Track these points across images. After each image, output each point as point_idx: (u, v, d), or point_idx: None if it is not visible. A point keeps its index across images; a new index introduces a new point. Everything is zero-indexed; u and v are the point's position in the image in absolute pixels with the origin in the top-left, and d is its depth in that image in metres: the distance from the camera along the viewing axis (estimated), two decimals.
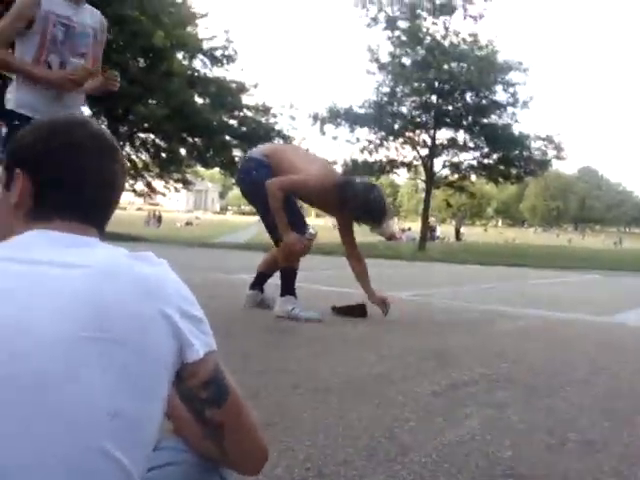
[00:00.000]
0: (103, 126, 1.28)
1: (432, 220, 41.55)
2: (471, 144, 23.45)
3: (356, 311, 5.06)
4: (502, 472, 1.99)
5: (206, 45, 27.07)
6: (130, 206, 79.89)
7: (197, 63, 27.66)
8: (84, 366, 0.96)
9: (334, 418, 2.45)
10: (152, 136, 27.76)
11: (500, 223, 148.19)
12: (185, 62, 26.83)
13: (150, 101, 24.03)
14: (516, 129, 22.98)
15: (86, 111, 23.73)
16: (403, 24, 22.36)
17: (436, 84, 21.80)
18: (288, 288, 5.01)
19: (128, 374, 1.00)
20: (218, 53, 27.23)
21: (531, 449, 2.18)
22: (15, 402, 0.93)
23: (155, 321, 1.04)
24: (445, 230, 52.22)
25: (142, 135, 27.78)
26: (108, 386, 0.97)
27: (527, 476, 1.97)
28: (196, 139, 27.71)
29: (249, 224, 75.85)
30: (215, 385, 1.13)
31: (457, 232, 40.65)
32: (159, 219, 63.83)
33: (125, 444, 0.98)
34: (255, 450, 1.23)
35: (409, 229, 45.69)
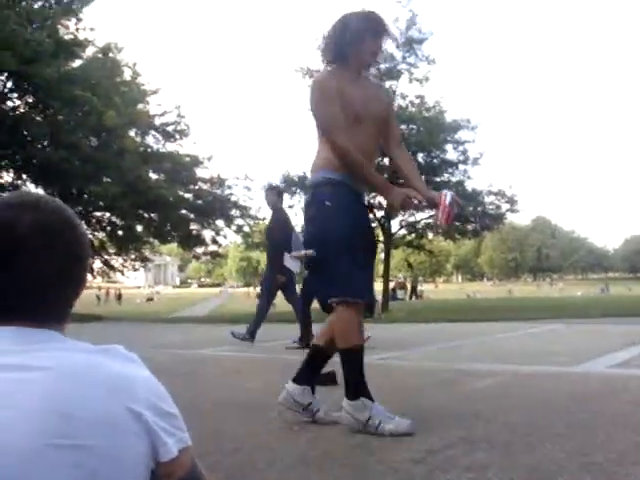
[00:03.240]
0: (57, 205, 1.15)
1: (400, 277, 41.67)
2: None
3: (326, 379, 5.00)
4: None
5: (158, 121, 27.33)
6: (89, 284, 78.90)
7: (150, 139, 27.88)
8: (51, 476, 0.92)
9: None
10: (108, 214, 27.67)
11: (460, 278, 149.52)
12: (138, 139, 26.99)
13: (104, 179, 24.01)
14: (469, 186, 23.40)
15: (40, 192, 23.63)
16: None
17: None
18: (360, 382, 3.56)
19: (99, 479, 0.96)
20: (170, 128, 27.51)
21: None
22: None
23: (124, 422, 0.99)
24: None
25: (97, 214, 27.69)
26: None
27: None
28: (152, 215, 27.72)
29: (208, 296, 75.63)
30: None
31: (413, 290, 40.57)
32: (119, 297, 63.02)
33: None
34: None
35: None
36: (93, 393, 0.99)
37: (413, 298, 39.96)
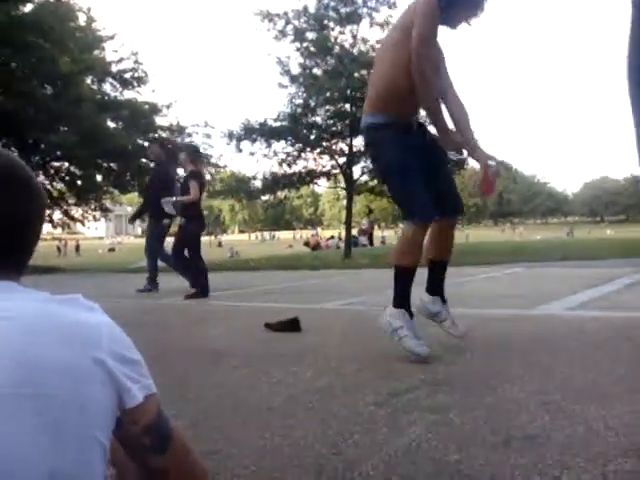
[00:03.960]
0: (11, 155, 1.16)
1: (364, 224, 41.50)
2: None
3: (290, 326, 5.03)
4: (450, 476, 2.00)
5: (115, 68, 26.71)
6: (48, 236, 78.10)
7: (107, 87, 27.28)
8: (11, 426, 0.91)
9: (279, 438, 2.42)
10: (66, 164, 27.18)
11: None
12: (94, 86, 26.40)
13: (61, 128, 23.52)
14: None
15: None
16: (311, 35, 22.51)
17: (348, 92, 21.94)
18: (402, 298, 3.93)
19: (62, 429, 0.95)
20: (128, 75, 26.91)
21: (477, 450, 2.19)
22: None
23: (86, 370, 0.99)
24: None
25: (56, 164, 27.17)
26: (41, 445, 0.92)
27: (475, 478, 1.98)
28: (112, 164, 27.26)
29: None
30: (157, 430, 1.09)
31: (370, 237, 40.23)
32: (77, 248, 62.39)
33: None
34: None
35: (332, 237, 45.84)
36: (54, 342, 0.98)
37: (372, 243, 39.59)
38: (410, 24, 3.73)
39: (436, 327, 4.23)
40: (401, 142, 3.87)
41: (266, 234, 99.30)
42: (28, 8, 22.48)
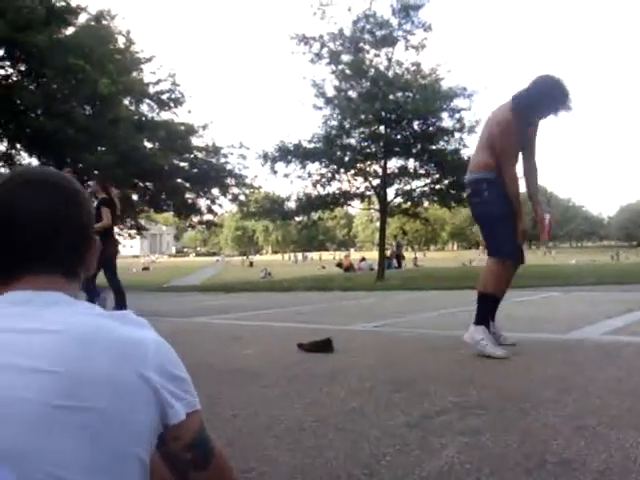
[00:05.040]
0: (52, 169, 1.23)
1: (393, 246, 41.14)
2: (422, 171, 23.67)
3: (322, 347, 5.03)
4: None
5: (152, 89, 27.11)
6: None
7: (144, 107, 27.67)
8: (54, 437, 0.93)
9: (311, 458, 2.42)
10: None
11: (455, 247, 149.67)
12: (132, 107, 26.78)
13: (99, 148, 23.86)
14: (465, 154, 23.28)
15: (34, 162, 23.52)
16: (346, 57, 22.64)
17: (383, 114, 21.99)
18: (483, 317, 4.85)
19: (105, 442, 0.96)
20: (165, 97, 27.29)
21: (510, 474, 2.18)
22: None
23: (131, 386, 1.01)
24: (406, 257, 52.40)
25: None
26: (84, 458, 0.94)
27: None
28: (147, 184, 27.58)
29: (204, 265, 75.82)
30: (200, 447, 1.11)
31: (398, 259, 39.33)
32: None
33: None
34: None
35: (364, 259, 45.58)
36: (101, 356, 1.00)
37: (400, 265, 38.64)
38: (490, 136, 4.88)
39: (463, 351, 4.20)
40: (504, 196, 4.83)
41: (299, 255, 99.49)
42: (69, 31, 22.95)
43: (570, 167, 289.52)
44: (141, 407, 1.02)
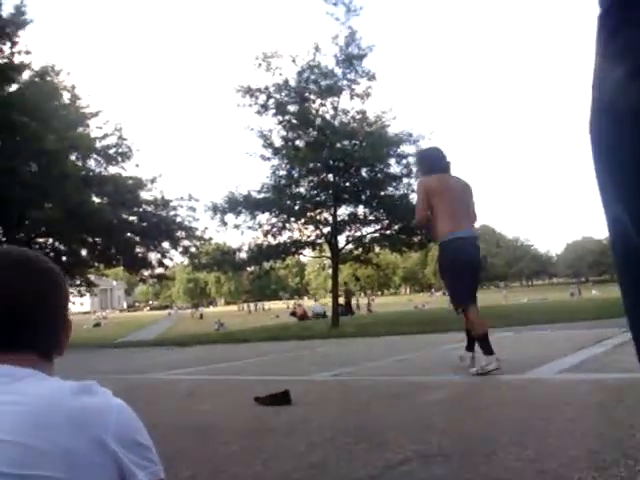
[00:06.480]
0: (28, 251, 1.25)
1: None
2: (372, 217, 23.90)
3: (280, 399, 4.97)
4: None
5: (99, 144, 26.98)
6: None
7: (91, 162, 27.52)
8: None
9: None
10: (50, 240, 27.18)
11: (408, 290, 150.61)
12: (79, 162, 26.61)
13: (46, 204, 23.59)
14: (413, 199, 23.58)
15: None
16: (293, 108, 22.85)
17: (331, 162, 22.22)
18: (485, 349, 5.96)
19: None
20: (112, 151, 27.19)
21: None
22: None
23: (87, 455, 0.99)
24: (356, 303, 52.44)
25: (40, 240, 27.16)
26: None
27: None
28: (97, 239, 27.29)
29: (157, 319, 74.79)
30: None
31: (347, 305, 38.91)
32: None
33: None
34: None
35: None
36: (61, 426, 0.99)
37: (350, 312, 38.20)
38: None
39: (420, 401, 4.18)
40: None
41: (252, 305, 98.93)
42: (13, 88, 22.81)
43: (516, 206, 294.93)
44: (99, 475, 1.00)
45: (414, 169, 22.67)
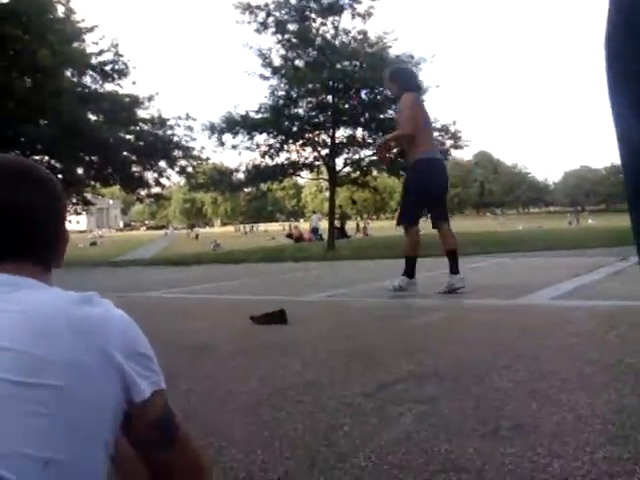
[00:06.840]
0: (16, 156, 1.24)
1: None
2: (370, 140, 23.70)
3: (276, 318, 5.02)
4: (442, 466, 2.00)
5: (95, 60, 26.47)
6: None
7: (87, 79, 27.04)
8: (10, 411, 0.92)
9: (269, 431, 2.42)
10: (46, 157, 26.98)
11: None
12: (75, 79, 26.17)
13: (41, 121, 23.32)
14: None
15: None
16: (292, 26, 22.42)
17: (330, 84, 21.93)
18: (453, 265, 6.67)
19: (64, 420, 0.95)
20: (108, 68, 26.69)
21: (466, 440, 2.21)
22: None
23: (93, 365, 1.00)
24: (352, 227, 52.53)
25: (36, 157, 26.94)
26: (39, 434, 0.93)
27: (466, 467, 1.99)
28: (93, 157, 27.09)
29: (153, 239, 75.03)
30: (164, 426, 1.10)
31: (342, 229, 38.51)
32: None
33: None
34: None
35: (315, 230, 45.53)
36: (64, 334, 1.00)
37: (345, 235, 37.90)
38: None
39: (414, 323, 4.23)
40: None
41: (248, 226, 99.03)
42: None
43: (516, 133, 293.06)
44: (102, 386, 1.01)
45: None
